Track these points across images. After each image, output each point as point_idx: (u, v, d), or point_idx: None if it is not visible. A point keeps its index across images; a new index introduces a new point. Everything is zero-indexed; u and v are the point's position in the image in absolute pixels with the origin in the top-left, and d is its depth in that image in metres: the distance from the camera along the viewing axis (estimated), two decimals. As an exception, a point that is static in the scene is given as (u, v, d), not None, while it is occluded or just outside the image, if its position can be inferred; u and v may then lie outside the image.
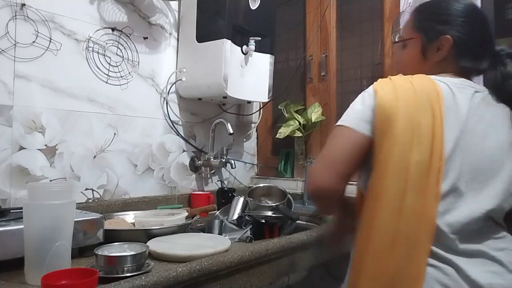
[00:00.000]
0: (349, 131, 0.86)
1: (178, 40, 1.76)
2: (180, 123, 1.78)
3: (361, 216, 0.88)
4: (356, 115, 0.88)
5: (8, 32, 1.25)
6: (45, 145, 1.33)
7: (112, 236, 1.09)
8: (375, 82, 0.90)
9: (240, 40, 1.65)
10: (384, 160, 0.82)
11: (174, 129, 1.74)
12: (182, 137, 1.77)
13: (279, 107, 2.00)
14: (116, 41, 1.54)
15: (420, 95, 0.84)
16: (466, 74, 0.96)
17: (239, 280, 1.11)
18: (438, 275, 0.79)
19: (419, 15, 1.00)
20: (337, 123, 0.88)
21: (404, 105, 0.83)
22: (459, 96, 0.86)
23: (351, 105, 0.90)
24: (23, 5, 1.27)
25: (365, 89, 0.90)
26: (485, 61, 0.96)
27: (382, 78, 0.92)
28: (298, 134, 1.89)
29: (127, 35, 1.57)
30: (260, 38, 1.66)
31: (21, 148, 1.28)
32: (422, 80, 0.88)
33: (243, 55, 1.67)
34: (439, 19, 0.96)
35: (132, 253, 0.93)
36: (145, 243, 1.06)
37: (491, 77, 0.96)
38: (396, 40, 1.00)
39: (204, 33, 1.64)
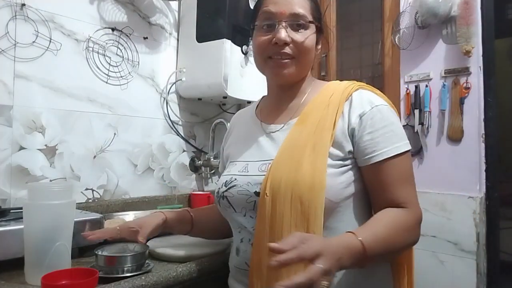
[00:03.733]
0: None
1: (178, 40, 1.76)
2: (180, 123, 1.78)
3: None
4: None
5: (8, 32, 1.25)
6: (45, 145, 1.33)
7: (112, 236, 1.08)
8: (382, 99, 0.86)
9: (240, 40, 1.65)
10: None
11: (174, 129, 1.74)
12: (182, 137, 1.77)
13: (279, 107, 2.00)
14: (116, 41, 1.54)
15: None
16: None
17: (239, 280, 1.10)
18: None
19: (312, 3, 0.91)
20: (407, 148, 0.82)
21: None
22: None
23: (396, 122, 0.84)
24: (23, 5, 1.27)
25: (383, 105, 0.84)
26: None
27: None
28: (298, 134, 1.88)
29: (127, 35, 1.57)
30: (260, 38, 1.66)
31: (21, 148, 1.28)
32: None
33: (243, 55, 1.67)
34: (320, 16, 0.91)
35: (132, 253, 0.93)
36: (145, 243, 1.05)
37: None
38: (304, 21, 0.86)
39: (204, 33, 1.64)
